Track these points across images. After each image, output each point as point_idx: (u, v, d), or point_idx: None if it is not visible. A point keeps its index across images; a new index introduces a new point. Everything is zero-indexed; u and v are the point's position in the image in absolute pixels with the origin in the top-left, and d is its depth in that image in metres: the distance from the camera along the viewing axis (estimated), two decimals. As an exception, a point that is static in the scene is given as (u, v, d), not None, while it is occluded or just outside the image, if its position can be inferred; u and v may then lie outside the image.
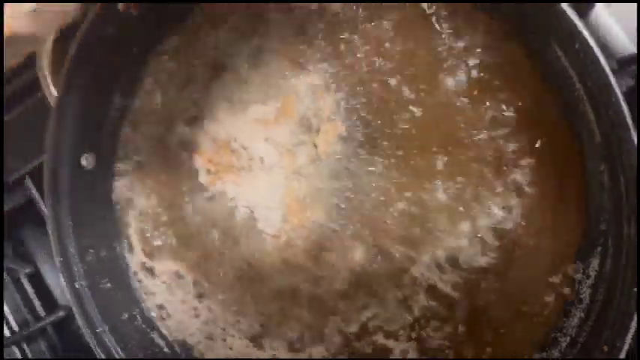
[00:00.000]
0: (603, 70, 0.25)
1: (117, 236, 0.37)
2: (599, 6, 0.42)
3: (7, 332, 0.49)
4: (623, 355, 0.25)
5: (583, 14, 0.40)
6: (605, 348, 0.26)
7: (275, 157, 0.31)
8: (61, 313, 0.46)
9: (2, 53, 0.35)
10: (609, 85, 0.25)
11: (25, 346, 0.50)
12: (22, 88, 0.46)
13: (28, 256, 0.49)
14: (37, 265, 0.49)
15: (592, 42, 0.25)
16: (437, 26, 0.29)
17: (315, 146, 0.31)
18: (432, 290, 0.31)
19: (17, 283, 0.49)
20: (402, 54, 0.30)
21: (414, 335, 0.31)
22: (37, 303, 0.48)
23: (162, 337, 0.37)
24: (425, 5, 0.29)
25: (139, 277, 0.37)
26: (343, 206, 0.32)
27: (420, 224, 0.30)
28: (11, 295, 0.49)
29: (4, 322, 0.49)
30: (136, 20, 0.30)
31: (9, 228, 0.50)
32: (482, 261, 0.30)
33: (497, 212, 0.30)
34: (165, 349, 0.37)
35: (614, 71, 0.37)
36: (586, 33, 0.25)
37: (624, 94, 0.35)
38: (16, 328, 0.49)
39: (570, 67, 0.27)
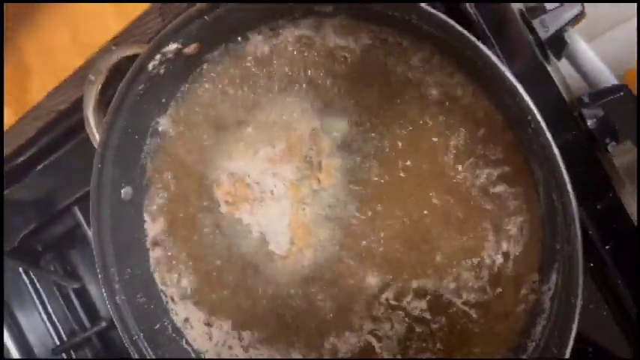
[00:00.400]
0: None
1: (148, 258, 0.43)
2: (579, 40, 0.46)
3: (57, 341, 0.56)
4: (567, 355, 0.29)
5: (560, 47, 0.44)
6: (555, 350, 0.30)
7: (282, 190, 0.37)
8: (103, 324, 0.53)
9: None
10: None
11: (72, 353, 0.56)
12: (69, 129, 0.53)
13: (76, 273, 0.56)
14: (83, 282, 0.56)
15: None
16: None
17: (319, 180, 0.36)
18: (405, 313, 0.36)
19: (65, 297, 0.56)
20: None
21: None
22: (82, 315, 0.55)
23: (189, 344, 0.43)
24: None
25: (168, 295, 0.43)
26: (342, 231, 0.37)
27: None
28: (60, 308, 0.56)
29: (55, 331, 0.56)
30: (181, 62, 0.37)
31: (60, 249, 0.57)
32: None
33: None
34: (193, 355, 0.43)
35: (584, 104, 0.41)
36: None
37: (594, 123, 0.39)
38: (64, 337, 0.56)
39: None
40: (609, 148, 0.41)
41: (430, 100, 0.34)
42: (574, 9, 0.40)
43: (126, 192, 0.41)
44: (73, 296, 0.55)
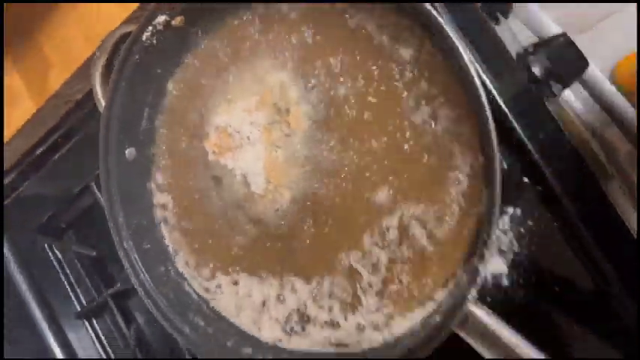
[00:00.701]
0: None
1: (152, 211, 0.49)
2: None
3: (78, 307, 0.62)
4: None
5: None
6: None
7: (257, 135, 0.42)
8: (118, 285, 0.58)
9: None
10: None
11: (93, 320, 0.63)
12: (87, 115, 0.60)
13: (93, 244, 0.62)
14: (100, 251, 0.62)
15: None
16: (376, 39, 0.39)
17: (288, 123, 0.42)
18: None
19: (85, 267, 0.62)
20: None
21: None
22: (100, 282, 0.61)
23: (191, 286, 0.48)
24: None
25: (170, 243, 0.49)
26: (311, 169, 0.42)
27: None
28: (81, 278, 0.62)
29: (76, 298, 0.62)
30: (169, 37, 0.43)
31: (80, 225, 0.64)
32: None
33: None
34: (194, 295, 0.48)
35: (529, 52, 0.46)
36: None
37: (539, 70, 0.44)
38: (85, 303, 0.62)
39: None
40: (555, 91, 0.46)
41: (384, 47, 0.39)
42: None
43: (130, 152, 0.47)
44: (91, 266, 0.62)
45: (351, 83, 0.40)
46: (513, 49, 0.47)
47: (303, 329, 0.44)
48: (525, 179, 0.43)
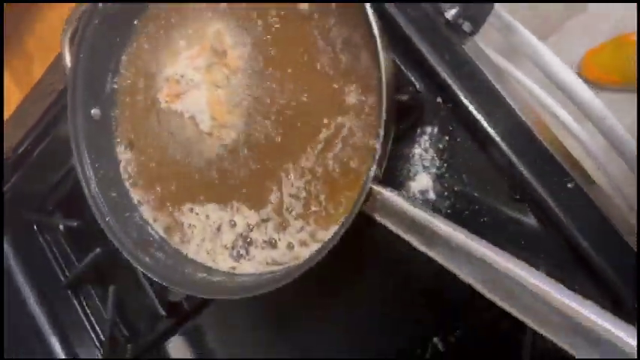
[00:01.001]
0: None
1: (117, 164, 0.55)
2: None
3: (62, 278, 0.67)
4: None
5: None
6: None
7: (200, 77, 0.49)
8: (97, 250, 0.63)
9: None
10: None
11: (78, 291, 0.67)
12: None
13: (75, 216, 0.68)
14: (80, 222, 0.67)
15: None
16: None
17: (227, 65, 0.48)
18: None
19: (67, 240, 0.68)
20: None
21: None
22: (81, 252, 0.67)
23: (153, 228, 0.53)
24: None
25: (134, 193, 0.55)
26: (249, 105, 0.48)
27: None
28: (65, 251, 0.68)
29: (61, 270, 0.67)
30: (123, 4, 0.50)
31: (66, 203, 0.70)
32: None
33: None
34: (156, 236, 0.53)
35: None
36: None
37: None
38: (67, 273, 0.67)
39: None
40: (465, 28, 0.51)
41: None
42: None
43: (95, 112, 0.54)
44: (74, 239, 0.67)
45: (275, 29, 0.47)
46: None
47: (247, 252, 0.49)
48: (439, 99, 0.48)
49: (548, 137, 0.46)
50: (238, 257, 0.49)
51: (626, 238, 0.43)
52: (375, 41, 0.39)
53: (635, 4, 1.16)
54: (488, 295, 0.35)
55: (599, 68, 1.25)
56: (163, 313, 0.58)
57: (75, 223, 0.66)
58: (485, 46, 0.56)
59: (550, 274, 0.34)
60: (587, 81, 1.29)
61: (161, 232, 0.53)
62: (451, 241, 0.36)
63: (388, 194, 0.38)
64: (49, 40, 0.65)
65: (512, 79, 0.72)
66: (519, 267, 0.34)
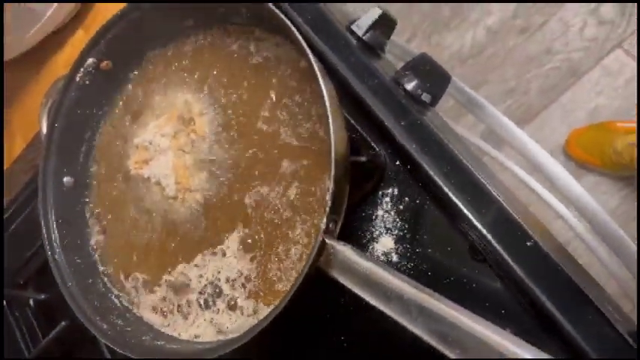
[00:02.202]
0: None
1: (85, 231, 0.55)
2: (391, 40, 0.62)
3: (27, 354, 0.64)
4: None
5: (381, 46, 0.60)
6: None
7: (167, 143, 0.50)
8: (63, 323, 0.62)
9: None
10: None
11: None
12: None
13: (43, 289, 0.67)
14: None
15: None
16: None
17: (195, 132, 0.50)
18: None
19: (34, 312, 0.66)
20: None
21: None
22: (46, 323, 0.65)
23: (116, 296, 0.52)
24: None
25: (100, 260, 0.54)
26: (217, 172, 0.49)
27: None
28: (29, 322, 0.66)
29: (26, 347, 0.64)
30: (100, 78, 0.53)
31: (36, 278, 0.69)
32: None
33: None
34: (118, 304, 0.52)
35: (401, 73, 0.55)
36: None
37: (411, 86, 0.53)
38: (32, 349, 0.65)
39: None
40: (424, 98, 0.54)
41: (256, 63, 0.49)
42: (374, 13, 0.57)
43: (68, 180, 0.55)
44: (41, 312, 0.65)
45: (236, 95, 0.49)
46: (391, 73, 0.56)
47: (212, 320, 0.48)
48: (398, 162, 0.49)
49: (507, 197, 0.47)
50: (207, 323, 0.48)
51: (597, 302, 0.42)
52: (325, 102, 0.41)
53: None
54: (443, 349, 0.34)
55: (582, 149, 1.29)
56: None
57: (43, 296, 0.65)
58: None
59: (516, 334, 0.33)
60: (571, 159, 1.34)
61: (124, 301, 0.52)
62: (403, 294, 0.36)
63: (340, 247, 0.38)
64: (32, 117, 0.67)
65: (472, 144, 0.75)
66: (472, 319, 0.33)
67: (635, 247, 0.59)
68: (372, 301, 0.37)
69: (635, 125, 1.21)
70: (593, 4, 1.36)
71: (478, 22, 1.48)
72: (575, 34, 1.37)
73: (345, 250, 0.38)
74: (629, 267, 0.60)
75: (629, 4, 1.33)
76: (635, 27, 1.31)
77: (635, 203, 1.25)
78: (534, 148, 0.61)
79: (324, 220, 0.38)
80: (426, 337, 0.34)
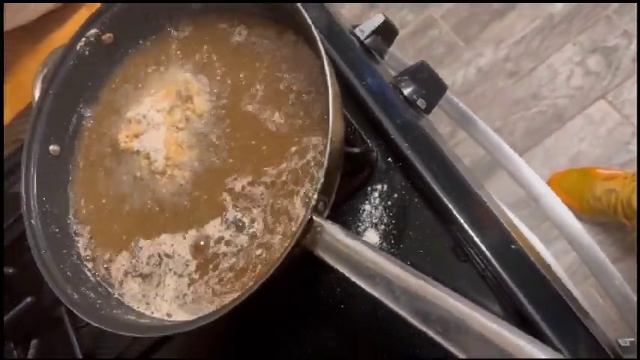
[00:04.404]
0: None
1: (65, 201, 0.54)
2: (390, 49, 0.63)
3: None
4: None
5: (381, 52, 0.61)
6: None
7: (161, 118, 0.50)
8: (28, 299, 0.59)
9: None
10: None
11: None
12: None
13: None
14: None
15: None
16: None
17: (193, 111, 0.50)
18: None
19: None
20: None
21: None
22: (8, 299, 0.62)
23: (89, 269, 0.51)
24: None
25: (77, 231, 0.53)
26: (209, 152, 0.49)
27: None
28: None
29: None
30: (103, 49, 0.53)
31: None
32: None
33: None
34: (90, 277, 0.50)
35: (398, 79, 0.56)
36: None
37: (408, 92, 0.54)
38: None
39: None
40: (419, 104, 0.55)
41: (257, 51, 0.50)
42: (377, 19, 0.58)
43: (54, 149, 0.54)
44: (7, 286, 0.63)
45: (235, 79, 0.50)
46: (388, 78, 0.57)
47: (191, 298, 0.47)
48: (389, 159, 0.50)
49: (492, 202, 0.48)
50: (181, 304, 0.47)
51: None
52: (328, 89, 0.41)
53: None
54: (425, 328, 0.33)
55: (563, 191, 1.31)
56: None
57: (11, 270, 0.63)
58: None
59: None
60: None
61: (98, 274, 0.50)
62: (388, 273, 0.35)
63: (328, 225, 0.38)
64: (23, 91, 0.67)
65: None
66: (455, 298, 0.33)
67: (620, 278, 0.59)
68: (357, 280, 0.37)
69: (614, 172, 1.24)
70: (580, 56, 1.41)
71: (470, 62, 1.52)
72: (562, 81, 1.42)
73: (333, 229, 0.38)
74: (613, 299, 0.60)
75: (615, 59, 1.39)
76: (620, 80, 1.37)
77: (612, 248, 1.27)
78: (523, 167, 0.62)
79: (315, 196, 0.38)
80: (409, 317, 0.34)
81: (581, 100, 1.39)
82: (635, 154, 1.30)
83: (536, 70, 1.45)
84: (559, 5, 1.47)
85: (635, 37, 1.37)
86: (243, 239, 0.46)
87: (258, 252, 0.45)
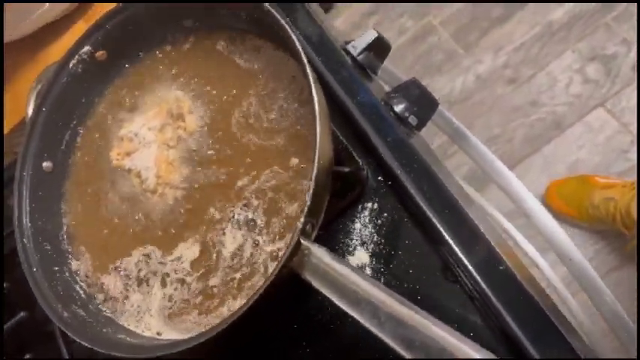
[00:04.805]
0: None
1: (58, 218, 0.54)
2: (383, 64, 0.63)
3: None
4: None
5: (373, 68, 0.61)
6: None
7: (152, 136, 0.50)
8: (22, 314, 0.60)
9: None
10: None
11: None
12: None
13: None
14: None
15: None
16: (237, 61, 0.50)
17: (184, 129, 0.50)
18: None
19: None
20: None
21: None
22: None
23: (81, 287, 0.51)
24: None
25: (69, 249, 0.53)
26: (200, 170, 0.49)
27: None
28: None
29: None
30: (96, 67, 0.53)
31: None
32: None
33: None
34: (82, 294, 0.51)
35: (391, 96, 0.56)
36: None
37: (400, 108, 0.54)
38: None
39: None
40: (411, 120, 0.55)
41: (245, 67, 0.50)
42: (370, 35, 0.58)
43: (47, 165, 0.54)
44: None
45: (225, 97, 0.50)
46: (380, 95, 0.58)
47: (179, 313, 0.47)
48: (380, 177, 0.50)
49: (482, 222, 0.48)
50: (168, 320, 0.47)
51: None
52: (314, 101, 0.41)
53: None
54: (408, 355, 0.33)
55: (561, 199, 1.31)
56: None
57: (5, 285, 0.63)
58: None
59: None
60: (549, 209, 1.36)
61: (89, 291, 0.50)
62: (373, 299, 0.36)
63: (316, 249, 0.38)
64: (20, 103, 0.67)
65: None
66: (439, 326, 0.33)
67: (610, 295, 0.59)
68: (342, 305, 0.37)
69: (612, 181, 1.24)
70: (579, 64, 1.41)
71: (469, 68, 1.52)
72: (561, 89, 1.42)
73: (320, 253, 0.38)
74: (604, 315, 0.60)
75: (615, 67, 1.39)
76: (619, 88, 1.37)
77: (610, 257, 1.27)
78: (516, 184, 0.62)
79: (302, 219, 0.38)
80: (393, 344, 0.34)
81: (579, 107, 1.39)
82: (633, 163, 1.30)
83: (535, 77, 1.45)
84: (559, 12, 1.47)
85: (634, 45, 1.37)
86: (231, 258, 0.46)
87: (245, 270, 0.45)
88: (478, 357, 0.31)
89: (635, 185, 1.14)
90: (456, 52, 1.54)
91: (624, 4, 1.40)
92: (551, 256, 1.10)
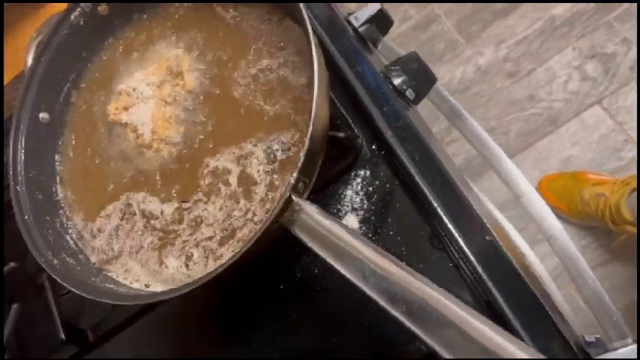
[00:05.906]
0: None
1: (52, 169, 0.54)
2: (384, 39, 0.64)
3: None
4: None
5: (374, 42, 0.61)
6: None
7: (150, 92, 0.50)
8: (12, 264, 0.60)
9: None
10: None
11: None
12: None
13: None
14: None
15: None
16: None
17: (182, 87, 0.50)
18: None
19: None
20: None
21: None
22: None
23: (71, 237, 0.52)
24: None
25: (62, 196, 0.53)
26: (195, 128, 0.50)
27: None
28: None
29: None
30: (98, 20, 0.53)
31: None
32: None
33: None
34: (72, 244, 0.51)
35: (390, 68, 0.57)
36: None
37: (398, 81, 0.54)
38: None
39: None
40: (408, 94, 0.56)
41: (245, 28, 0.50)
42: (373, 8, 0.58)
43: (43, 116, 0.54)
44: None
45: (223, 58, 0.50)
46: (380, 67, 0.58)
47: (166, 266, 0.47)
48: (374, 146, 0.50)
49: (471, 195, 0.48)
50: (155, 273, 0.47)
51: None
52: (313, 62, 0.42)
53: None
54: (390, 309, 0.34)
55: (552, 193, 1.32)
56: (63, 337, 0.54)
57: (-5, 235, 0.63)
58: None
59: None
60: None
61: (79, 242, 0.51)
62: (358, 253, 0.36)
63: (306, 205, 0.39)
64: (18, 58, 0.67)
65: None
66: (421, 280, 0.34)
67: (599, 286, 0.60)
68: (329, 259, 0.37)
69: (603, 178, 1.25)
70: (579, 61, 1.42)
71: (470, 59, 1.53)
72: (559, 85, 1.42)
73: (311, 209, 0.39)
74: (590, 305, 0.60)
75: (613, 66, 1.40)
76: (616, 87, 1.37)
77: (597, 252, 1.29)
78: (507, 163, 0.63)
79: (294, 174, 0.39)
80: (377, 297, 0.35)
81: (576, 104, 1.40)
82: (625, 162, 1.31)
83: (534, 71, 1.46)
84: (561, 8, 1.47)
85: (634, 45, 1.38)
86: (220, 212, 0.46)
87: (236, 224, 0.46)
88: (458, 310, 0.31)
89: (626, 183, 1.15)
90: (457, 42, 1.55)
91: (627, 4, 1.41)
92: (541, 250, 1.11)
